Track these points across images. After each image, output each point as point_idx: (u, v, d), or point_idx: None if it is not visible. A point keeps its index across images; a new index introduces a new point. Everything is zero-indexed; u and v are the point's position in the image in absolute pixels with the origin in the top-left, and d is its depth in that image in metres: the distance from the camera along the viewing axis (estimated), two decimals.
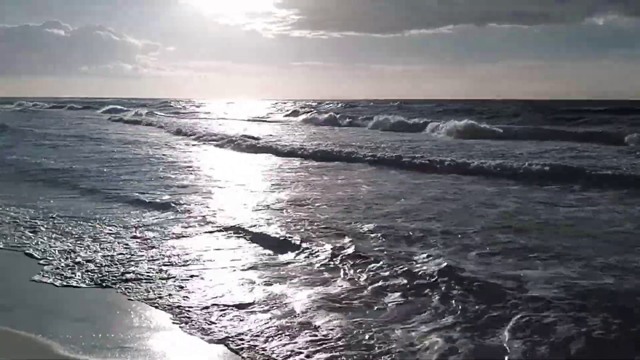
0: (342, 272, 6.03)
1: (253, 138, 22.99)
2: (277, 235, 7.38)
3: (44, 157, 16.32)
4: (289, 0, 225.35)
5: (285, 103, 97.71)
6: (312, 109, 61.56)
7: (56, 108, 64.26)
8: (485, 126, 27.05)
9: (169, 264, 6.39)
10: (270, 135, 26.39)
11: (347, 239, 7.15)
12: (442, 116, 34.57)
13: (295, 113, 50.75)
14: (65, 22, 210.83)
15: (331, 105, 70.32)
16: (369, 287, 5.56)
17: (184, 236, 7.61)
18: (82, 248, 6.97)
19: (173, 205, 9.44)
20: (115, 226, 8.09)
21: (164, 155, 17.86)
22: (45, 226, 8.03)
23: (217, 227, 8.03)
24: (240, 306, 5.12)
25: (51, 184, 11.73)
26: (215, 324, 4.77)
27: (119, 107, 59.39)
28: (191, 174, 13.62)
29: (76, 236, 7.54)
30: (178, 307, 5.14)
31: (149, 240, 7.32)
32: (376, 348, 4.26)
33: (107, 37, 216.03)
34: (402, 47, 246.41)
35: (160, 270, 6.15)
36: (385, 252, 6.61)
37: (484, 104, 58.80)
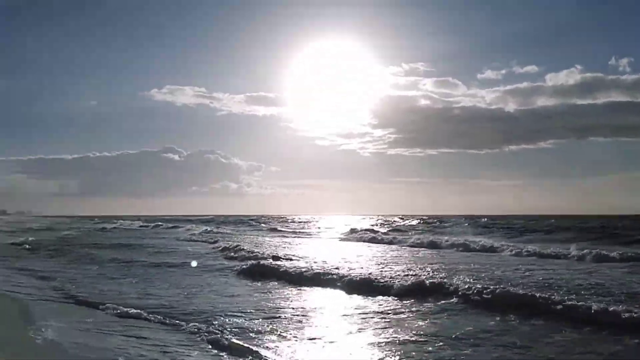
0: None
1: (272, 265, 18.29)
2: None
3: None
4: (385, 121, 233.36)
5: (372, 218, 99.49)
6: (393, 224, 62.85)
7: (142, 227, 68.51)
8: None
9: None
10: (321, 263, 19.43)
11: None
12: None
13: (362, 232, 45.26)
14: (180, 148, 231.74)
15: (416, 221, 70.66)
16: None
17: None
18: None
19: None
20: None
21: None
22: None
23: None
24: None
25: None
26: None
27: (193, 225, 62.53)
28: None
29: None
30: None
31: None
32: None
33: (216, 160, 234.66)
34: (501, 162, 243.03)
35: None
36: None
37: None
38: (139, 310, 10.63)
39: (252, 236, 42.85)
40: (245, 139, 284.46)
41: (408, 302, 11.73)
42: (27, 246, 28.26)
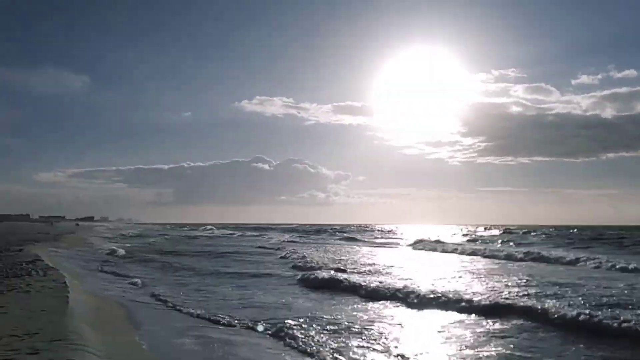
0: None
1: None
2: None
3: None
4: (475, 129, 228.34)
5: (457, 227, 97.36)
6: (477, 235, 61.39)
7: (229, 235, 70.96)
8: None
9: None
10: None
11: None
12: None
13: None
14: (270, 157, 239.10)
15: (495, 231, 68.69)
16: None
17: None
18: None
19: None
20: None
21: None
22: None
23: None
24: None
25: None
26: None
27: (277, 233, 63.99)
28: None
29: None
30: None
31: None
32: None
33: (304, 169, 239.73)
34: (597, 171, 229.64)
35: None
36: None
37: None
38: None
39: (327, 245, 43.38)
40: (332, 149, 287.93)
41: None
42: (122, 252, 30.11)
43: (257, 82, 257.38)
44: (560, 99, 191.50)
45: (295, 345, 8.90)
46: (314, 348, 8.70)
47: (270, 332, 9.93)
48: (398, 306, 12.94)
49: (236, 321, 10.90)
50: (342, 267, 21.40)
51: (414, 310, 12.40)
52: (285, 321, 10.50)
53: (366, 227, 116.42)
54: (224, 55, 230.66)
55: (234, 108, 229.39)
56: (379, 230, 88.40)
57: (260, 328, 10.29)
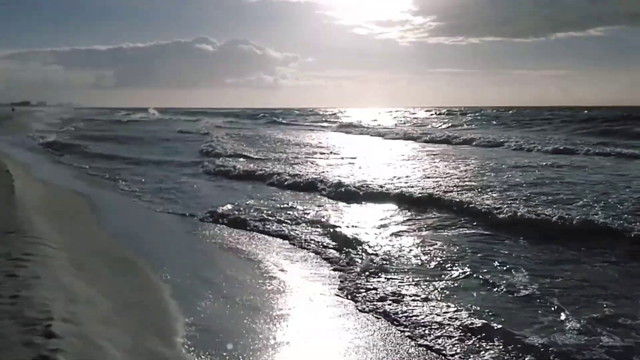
0: None
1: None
2: None
3: None
4: (426, 7, 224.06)
5: (400, 111, 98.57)
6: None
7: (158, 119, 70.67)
8: None
9: None
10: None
11: None
12: None
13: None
14: (213, 38, 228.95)
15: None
16: None
17: None
18: None
19: None
20: None
21: None
22: None
23: None
24: None
25: None
26: None
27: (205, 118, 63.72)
28: None
29: None
30: None
31: None
32: None
33: (250, 51, 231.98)
34: (547, 52, 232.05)
35: None
36: None
37: None
38: None
39: (245, 130, 43.31)
40: (279, 29, 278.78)
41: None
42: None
43: None
44: None
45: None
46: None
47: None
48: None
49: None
50: (247, 154, 21.47)
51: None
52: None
53: (310, 111, 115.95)
54: None
55: None
56: (320, 115, 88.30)
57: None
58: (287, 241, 8.45)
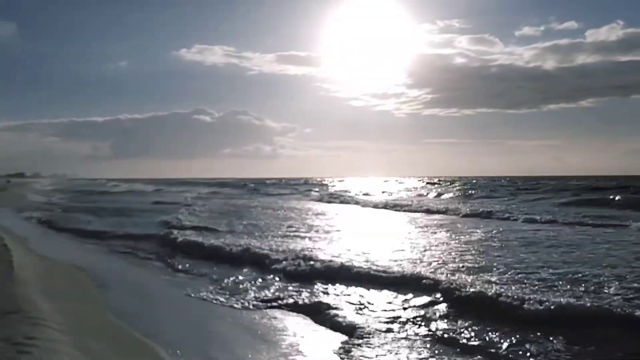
0: None
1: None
2: None
3: None
4: (421, 81, 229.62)
5: (402, 181, 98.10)
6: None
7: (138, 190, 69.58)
8: None
9: None
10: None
11: None
12: None
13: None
14: (211, 109, 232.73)
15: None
16: None
17: None
18: None
19: None
20: None
21: None
22: None
23: None
24: None
25: None
26: None
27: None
28: None
29: None
30: None
31: None
32: None
33: (249, 121, 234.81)
34: (539, 122, 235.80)
35: None
36: None
37: None
38: None
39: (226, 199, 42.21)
40: (277, 100, 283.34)
41: None
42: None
43: (196, 29, 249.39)
44: (503, 50, 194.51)
45: None
46: None
47: None
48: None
49: None
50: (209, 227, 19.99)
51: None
52: None
53: (307, 180, 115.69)
54: (160, 2, 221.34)
55: (172, 57, 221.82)
56: (314, 184, 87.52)
57: None
58: None
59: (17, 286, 8.20)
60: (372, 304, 8.27)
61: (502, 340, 6.44)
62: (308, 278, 10.22)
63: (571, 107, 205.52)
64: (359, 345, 6.53)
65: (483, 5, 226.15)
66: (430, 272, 9.88)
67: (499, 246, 13.53)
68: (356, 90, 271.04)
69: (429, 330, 6.95)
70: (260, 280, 10.37)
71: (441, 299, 8.32)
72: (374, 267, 10.59)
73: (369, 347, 6.47)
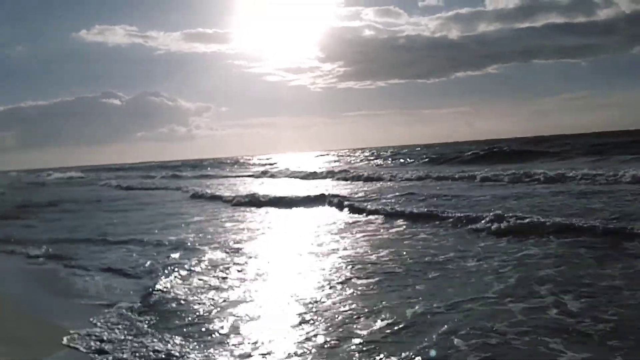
0: None
1: None
2: None
3: None
4: (332, 54, 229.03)
5: (326, 154, 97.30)
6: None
7: (79, 178, 64.11)
8: None
9: None
10: None
11: None
12: None
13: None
14: (120, 92, 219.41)
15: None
16: None
17: None
18: None
19: None
20: None
21: None
22: None
23: None
24: None
25: None
26: None
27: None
28: None
29: None
30: None
31: None
32: None
33: (161, 102, 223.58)
34: (450, 90, 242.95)
35: None
36: None
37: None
38: None
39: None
40: (189, 79, 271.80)
41: None
42: None
43: (95, 9, 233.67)
44: (409, 20, 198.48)
45: None
46: None
47: None
48: None
49: None
50: None
51: None
52: None
53: (228, 160, 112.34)
54: None
55: (72, 39, 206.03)
56: (243, 163, 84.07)
57: None
58: None
59: None
60: None
61: None
62: None
63: (478, 74, 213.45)
64: None
65: None
66: None
67: None
68: (270, 66, 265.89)
69: None
70: None
71: None
72: None
73: None
